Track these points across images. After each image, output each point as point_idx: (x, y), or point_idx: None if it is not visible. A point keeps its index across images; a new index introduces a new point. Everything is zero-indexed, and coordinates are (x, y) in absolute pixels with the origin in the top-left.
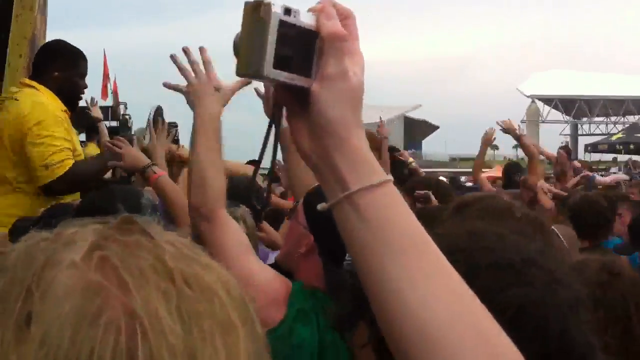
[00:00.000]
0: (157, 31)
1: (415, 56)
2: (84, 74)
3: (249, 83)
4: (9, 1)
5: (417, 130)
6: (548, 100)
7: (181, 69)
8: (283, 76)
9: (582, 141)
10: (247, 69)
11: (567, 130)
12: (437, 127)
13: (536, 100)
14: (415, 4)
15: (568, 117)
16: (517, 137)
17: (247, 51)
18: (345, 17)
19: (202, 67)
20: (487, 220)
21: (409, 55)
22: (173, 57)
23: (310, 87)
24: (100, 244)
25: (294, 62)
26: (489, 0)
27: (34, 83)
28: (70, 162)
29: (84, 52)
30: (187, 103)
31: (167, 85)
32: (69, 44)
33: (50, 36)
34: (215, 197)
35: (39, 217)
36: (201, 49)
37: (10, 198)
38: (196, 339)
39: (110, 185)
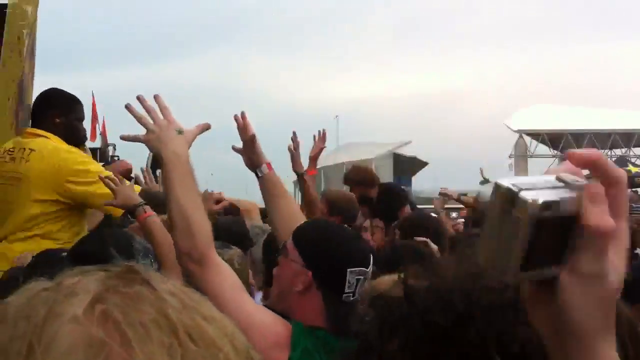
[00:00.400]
0: (145, 72)
1: (404, 92)
2: (82, 118)
3: (209, 128)
4: None
5: (406, 166)
6: (535, 135)
7: (138, 118)
8: (529, 276)
9: None
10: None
11: (555, 164)
12: (427, 163)
13: (523, 135)
14: (402, 41)
15: (556, 151)
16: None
17: (489, 245)
18: (614, 182)
19: (159, 113)
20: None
21: (398, 91)
22: (128, 107)
23: (559, 273)
24: (102, 296)
25: (545, 255)
26: (474, 37)
27: (41, 131)
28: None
29: (75, 95)
30: (151, 150)
31: (124, 138)
32: (64, 90)
33: (38, 79)
34: (204, 240)
35: (31, 264)
36: (156, 97)
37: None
38: None
39: (102, 229)
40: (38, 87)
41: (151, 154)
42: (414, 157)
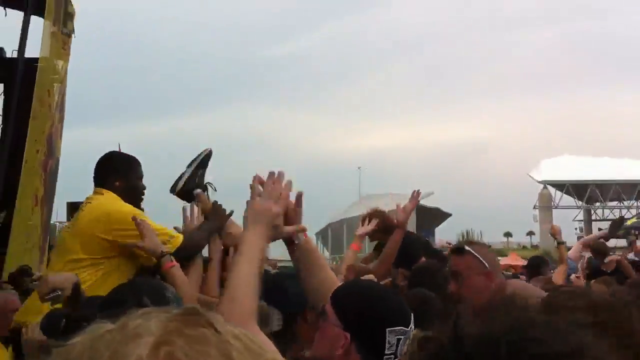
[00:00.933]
0: (170, 124)
1: (426, 143)
2: (141, 176)
3: (303, 230)
4: (28, 99)
5: (429, 218)
6: (560, 186)
7: (254, 187)
8: None
9: (596, 226)
10: None
11: (581, 216)
12: (450, 215)
13: (548, 186)
14: (425, 92)
15: (581, 203)
16: (560, 243)
17: None
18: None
19: (276, 199)
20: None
21: (420, 142)
22: (257, 177)
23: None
24: (166, 338)
25: None
26: (497, 88)
27: (104, 191)
28: (178, 235)
29: (105, 147)
30: (245, 214)
31: (254, 183)
32: (121, 153)
33: (66, 133)
34: (243, 315)
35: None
36: (287, 184)
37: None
38: None
39: (135, 279)
40: (68, 139)
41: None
42: (437, 208)
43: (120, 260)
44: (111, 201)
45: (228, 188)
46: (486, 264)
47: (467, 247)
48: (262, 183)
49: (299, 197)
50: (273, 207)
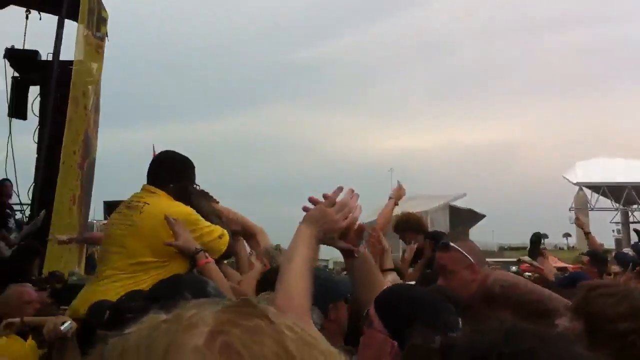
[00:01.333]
0: (203, 126)
1: (458, 144)
2: (194, 179)
3: (353, 256)
4: (64, 101)
5: (463, 219)
6: (595, 188)
7: (342, 200)
8: None
9: (634, 228)
10: None
11: (618, 218)
12: (484, 216)
13: (584, 188)
14: (457, 92)
15: (618, 205)
16: (587, 233)
17: None
18: None
19: (343, 208)
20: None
21: (452, 143)
22: (338, 189)
23: None
24: (221, 328)
25: None
26: (530, 88)
27: (154, 189)
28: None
29: (139, 148)
30: (308, 212)
31: (337, 193)
32: (177, 154)
33: (102, 133)
34: (299, 310)
35: (119, 301)
36: (353, 197)
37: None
38: None
39: (178, 274)
40: (104, 140)
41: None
42: (470, 209)
43: (183, 261)
44: (168, 203)
45: (260, 188)
46: (470, 258)
47: (451, 243)
48: (314, 202)
49: (361, 230)
50: (340, 221)
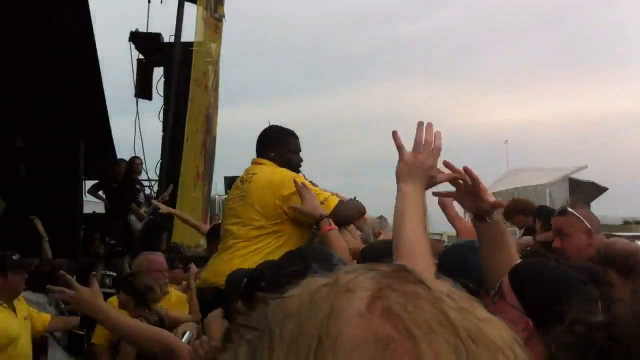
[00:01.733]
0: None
1: (575, 115)
2: (296, 149)
3: (457, 179)
4: (186, 81)
5: (584, 192)
6: None
7: (399, 147)
8: None
9: None
10: None
11: None
12: (606, 189)
13: None
14: (572, 62)
15: None
16: None
17: None
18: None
19: (421, 147)
20: None
21: (569, 115)
22: (395, 134)
23: None
24: (381, 293)
25: None
26: None
27: (261, 160)
28: (334, 196)
29: (257, 125)
30: (397, 170)
31: (395, 137)
32: (278, 126)
33: (221, 111)
34: (423, 268)
35: (254, 270)
36: (436, 134)
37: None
38: None
39: (303, 246)
40: (225, 118)
41: None
42: (592, 182)
43: (294, 226)
44: (272, 169)
45: (372, 163)
46: (587, 224)
47: (569, 209)
48: (399, 147)
49: (468, 171)
50: (427, 160)
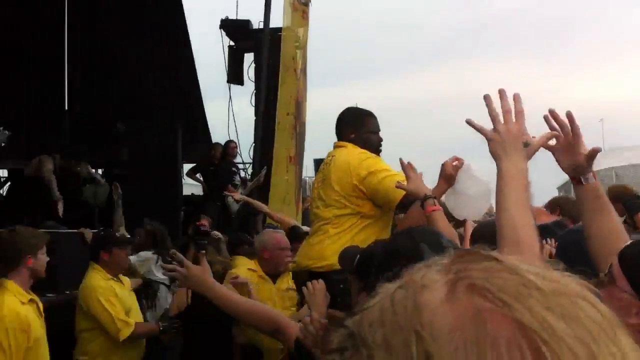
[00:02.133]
0: (406, 82)
1: None
2: (375, 129)
3: (552, 137)
4: (275, 67)
5: None
6: None
7: (493, 115)
8: None
9: None
10: None
11: None
12: None
13: None
14: None
15: None
16: None
17: None
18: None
19: (513, 116)
20: None
21: None
22: (487, 98)
23: None
24: (458, 276)
25: None
26: None
27: (342, 143)
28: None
29: (368, 110)
30: (490, 151)
31: (470, 122)
32: (355, 108)
33: (310, 94)
34: (533, 258)
35: (366, 248)
36: (515, 97)
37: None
38: (590, 345)
39: (412, 227)
40: (313, 100)
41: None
42: None
43: (375, 208)
44: (350, 150)
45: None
46: None
47: None
48: (479, 129)
49: (570, 116)
50: (512, 127)
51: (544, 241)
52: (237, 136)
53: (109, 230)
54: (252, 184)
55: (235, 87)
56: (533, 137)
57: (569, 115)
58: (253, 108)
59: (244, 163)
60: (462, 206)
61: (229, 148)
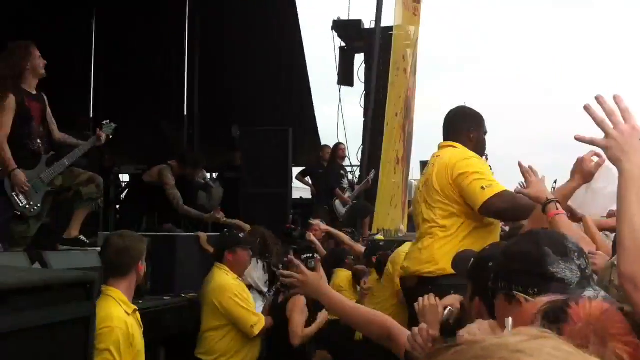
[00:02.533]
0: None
1: None
2: (479, 128)
3: None
4: (385, 66)
5: None
6: None
7: (599, 121)
8: None
9: None
10: None
11: None
12: None
13: None
14: None
15: None
16: None
17: None
18: None
19: (619, 117)
20: None
21: None
22: (587, 108)
23: None
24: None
25: None
26: None
27: (451, 143)
28: (503, 187)
29: (450, 105)
30: (608, 158)
31: (579, 138)
32: (460, 107)
33: (419, 93)
34: None
35: (481, 251)
36: (616, 98)
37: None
38: None
39: (535, 229)
40: (418, 98)
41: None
42: None
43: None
44: (454, 152)
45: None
46: None
47: None
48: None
49: None
50: (625, 128)
51: None
52: (346, 138)
53: (233, 232)
54: (361, 187)
55: (344, 89)
56: None
57: None
58: (362, 110)
59: (352, 166)
60: (593, 204)
61: (338, 150)
